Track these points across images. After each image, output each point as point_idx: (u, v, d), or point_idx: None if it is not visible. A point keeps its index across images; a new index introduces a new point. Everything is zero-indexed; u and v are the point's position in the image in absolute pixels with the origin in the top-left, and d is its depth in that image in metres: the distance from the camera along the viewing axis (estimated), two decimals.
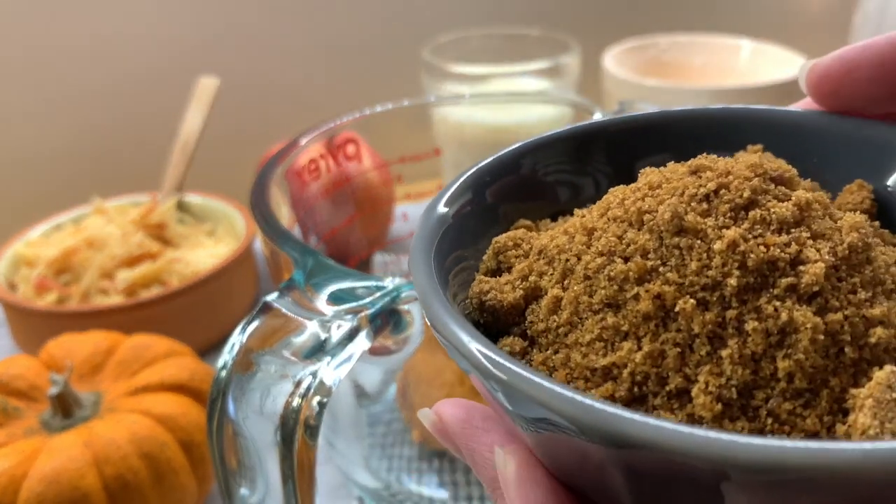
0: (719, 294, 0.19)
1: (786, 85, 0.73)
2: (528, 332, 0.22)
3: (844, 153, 0.25)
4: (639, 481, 0.17)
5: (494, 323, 0.22)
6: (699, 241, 0.19)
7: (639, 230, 0.20)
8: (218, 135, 0.84)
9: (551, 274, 0.22)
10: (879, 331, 0.18)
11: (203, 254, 0.62)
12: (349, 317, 0.28)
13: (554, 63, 0.74)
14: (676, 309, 0.19)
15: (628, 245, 0.20)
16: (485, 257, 0.24)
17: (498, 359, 0.17)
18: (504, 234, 0.24)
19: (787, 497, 0.15)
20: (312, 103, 0.91)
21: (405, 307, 0.30)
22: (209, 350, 0.59)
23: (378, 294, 0.29)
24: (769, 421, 0.18)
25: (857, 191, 0.24)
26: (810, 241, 0.19)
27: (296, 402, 0.27)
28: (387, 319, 0.29)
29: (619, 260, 0.20)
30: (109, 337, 0.47)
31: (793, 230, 0.19)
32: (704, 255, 0.19)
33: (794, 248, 0.19)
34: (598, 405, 0.15)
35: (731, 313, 0.18)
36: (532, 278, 0.22)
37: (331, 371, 0.27)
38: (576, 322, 0.20)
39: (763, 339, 0.18)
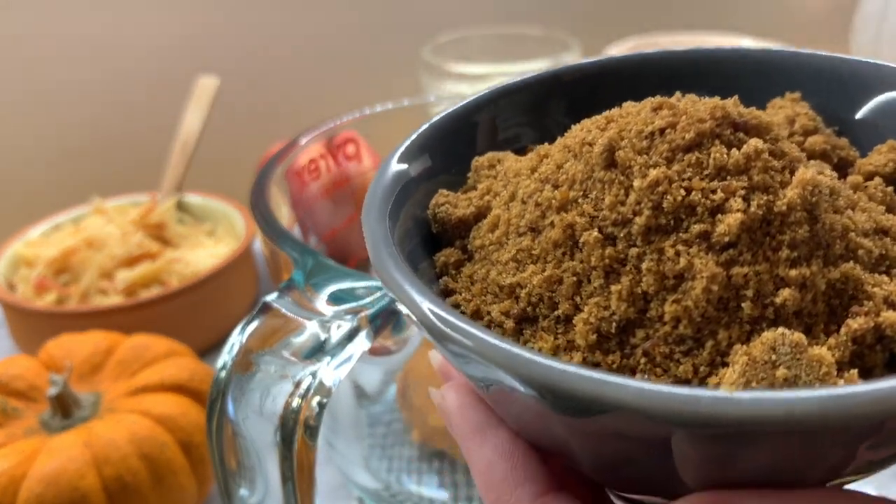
0: (627, 231, 0.19)
1: None
2: (469, 246, 0.22)
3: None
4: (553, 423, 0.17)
5: (444, 234, 0.23)
6: (623, 177, 0.19)
7: (577, 160, 0.21)
8: (217, 135, 0.83)
9: (502, 195, 0.23)
10: (787, 292, 0.17)
11: (203, 254, 0.62)
12: (349, 317, 0.28)
13: (554, 62, 0.74)
14: (581, 240, 0.19)
15: (563, 174, 0.21)
16: (468, 175, 0.25)
17: (426, 303, 0.17)
18: (485, 154, 0.25)
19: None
20: (312, 103, 0.91)
21: None
22: (209, 350, 0.59)
23: (378, 294, 0.29)
24: (643, 361, 0.18)
25: (887, 152, 0.24)
26: (743, 192, 0.18)
27: (295, 402, 0.27)
28: (387, 320, 0.29)
29: (549, 187, 0.21)
30: (109, 337, 0.47)
31: (729, 178, 0.19)
32: (623, 191, 0.19)
33: (719, 195, 0.18)
34: (493, 340, 0.16)
35: (633, 251, 0.19)
36: (487, 197, 0.23)
37: (331, 371, 0.27)
38: (503, 241, 0.21)
39: (657, 280, 0.18)
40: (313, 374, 0.27)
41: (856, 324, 0.17)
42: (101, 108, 0.82)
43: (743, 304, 0.18)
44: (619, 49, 0.82)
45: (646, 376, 0.18)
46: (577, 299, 0.19)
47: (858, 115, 0.25)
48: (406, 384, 0.42)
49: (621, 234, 0.19)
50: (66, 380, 0.41)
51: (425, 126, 0.25)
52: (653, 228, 0.19)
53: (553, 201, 0.20)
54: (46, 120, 0.80)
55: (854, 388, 0.14)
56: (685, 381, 0.18)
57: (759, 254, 0.18)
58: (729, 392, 0.14)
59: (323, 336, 0.27)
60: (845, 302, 0.18)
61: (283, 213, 0.40)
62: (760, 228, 0.18)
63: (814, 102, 0.26)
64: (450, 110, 0.26)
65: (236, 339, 0.28)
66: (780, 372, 0.16)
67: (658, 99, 0.21)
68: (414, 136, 0.24)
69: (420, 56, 0.78)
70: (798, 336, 0.16)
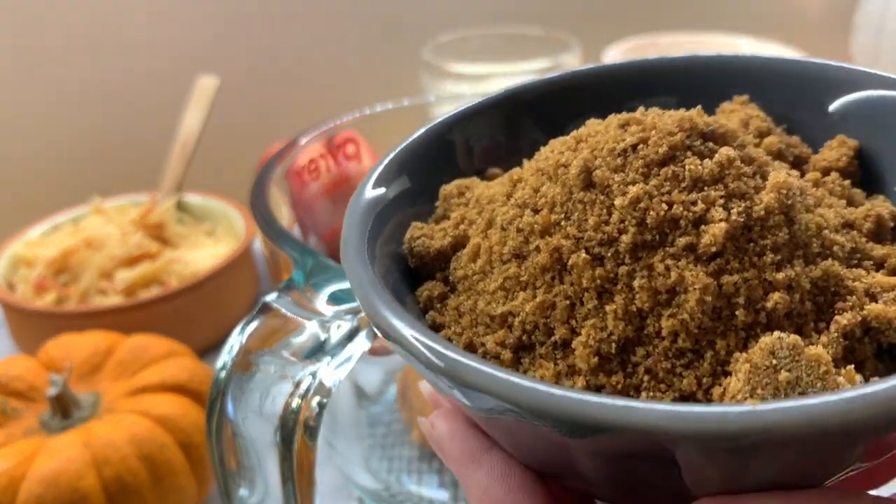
0: (614, 250, 0.19)
1: None
2: (451, 277, 0.22)
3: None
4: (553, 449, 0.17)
5: (423, 268, 0.23)
6: (603, 197, 0.19)
7: (553, 183, 0.21)
8: (217, 134, 0.83)
9: (478, 223, 0.22)
10: (777, 296, 0.18)
11: (202, 254, 0.62)
12: (349, 317, 0.28)
13: (554, 62, 0.74)
14: (570, 263, 0.19)
15: (541, 198, 0.21)
16: (437, 203, 0.24)
17: (417, 337, 0.17)
18: (452, 183, 0.24)
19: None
20: (312, 103, 0.91)
21: None
22: (208, 350, 0.59)
23: None
24: (646, 378, 0.18)
25: (837, 147, 0.24)
26: (721, 201, 0.19)
27: (295, 402, 0.26)
28: None
29: (529, 212, 0.21)
30: (108, 337, 0.47)
31: (706, 188, 0.19)
32: (605, 210, 0.19)
33: (700, 207, 0.19)
34: (511, 379, 0.16)
35: (623, 270, 0.19)
36: (462, 226, 0.23)
37: (330, 371, 0.27)
38: (487, 270, 0.21)
39: (650, 296, 0.18)
40: (313, 375, 0.27)
41: (844, 319, 0.18)
42: (101, 108, 0.82)
43: (737, 312, 0.18)
44: (618, 49, 0.82)
45: (651, 394, 0.18)
46: (573, 322, 0.19)
47: (803, 112, 0.26)
48: (406, 384, 0.42)
49: (609, 254, 0.19)
50: (66, 380, 0.41)
51: (388, 157, 0.24)
52: (639, 245, 0.19)
53: (535, 226, 0.20)
54: (46, 120, 0.80)
55: (870, 389, 0.14)
56: (690, 395, 0.18)
57: (745, 260, 0.18)
58: (752, 405, 0.14)
59: (323, 336, 0.27)
60: (829, 299, 0.19)
61: (283, 213, 0.40)
62: (743, 235, 0.18)
63: (759, 103, 0.26)
64: (416, 135, 0.25)
65: (236, 340, 0.28)
66: (783, 375, 0.16)
67: (624, 115, 0.21)
68: (380, 168, 0.24)
69: (420, 56, 0.78)
70: (794, 338, 0.17)
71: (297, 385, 0.27)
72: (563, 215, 0.20)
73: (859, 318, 0.18)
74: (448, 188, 0.24)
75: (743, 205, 0.19)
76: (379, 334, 0.18)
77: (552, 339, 0.19)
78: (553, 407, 0.15)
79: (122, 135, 0.83)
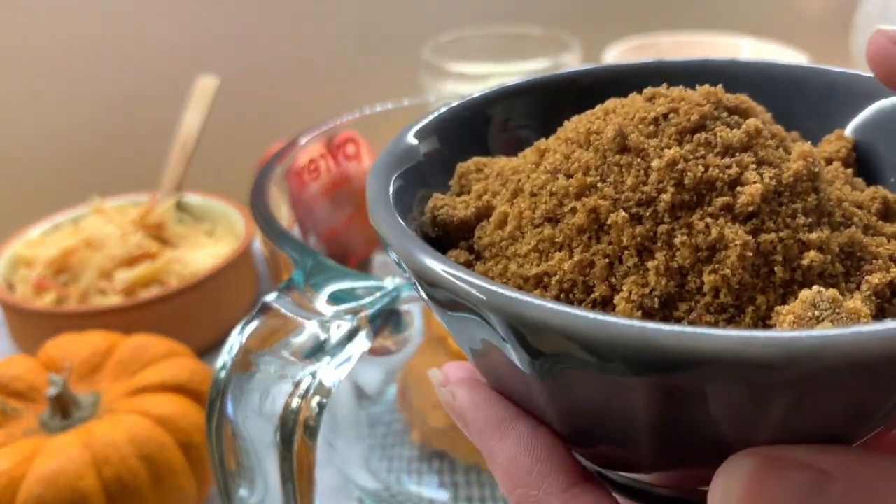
0: (653, 209, 0.19)
1: None
2: (475, 246, 0.22)
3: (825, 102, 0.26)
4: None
5: (445, 237, 0.23)
6: (639, 160, 0.20)
7: (585, 149, 0.21)
8: (217, 134, 0.83)
9: (503, 193, 0.22)
10: (813, 254, 0.18)
11: (202, 254, 0.62)
12: (349, 317, 0.28)
13: (554, 62, 0.74)
14: (609, 222, 0.19)
15: (573, 163, 0.21)
16: (451, 182, 0.24)
17: (438, 263, 0.17)
18: (469, 160, 0.25)
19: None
20: (312, 103, 0.91)
21: (405, 307, 0.30)
22: (208, 350, 0.59)
23: (378, 294, 0.28)
24: None
25: (836, 140, 0.25)
26: (754, 167, 0.19)
27: (295, 402, 0.26)
28: (386, 320, 0.29)
29: (562, 176, 0.21)
30: (108, 337, 0.47)
31: (737, 154, 0.20)
32: (643, 171, 0.20)
33: (734, 170, 0.19)
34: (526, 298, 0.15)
35: (662, 228, 0.19)
36: (486, 197, 0.23)
37: (330, 371, 0.27)
38: (517, 235, 0.21)
39: (691, 253, 0.18)
40: (313, 375, 0.27)
41: (875, 279, 0.18)
42: (101, 107, 0.82)
43: (775, 269, 0.18)
44: (619, 49, 0.82)
45: None
46: (613, 280, 0.19)
47: (798, 111, 0.26)
48: (406, 384, 0.42)
49: (647, 213, 0.19)
50: (66, 380, 0.41)
51: (419, 125, 0.25)
52: (678, 205, 0.19)
53: (570, 188, 0.20)
54: (46, 120, 0.80)
55: None
56: None
57: (779, 221, 0.19)
58: (823, 329, 0.14)
59: (323, 336, 0.27)
60: (855, 263, 0.19)
61: (283, 213, 0.40)
62: (775, 199, 0.19)
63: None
64: (451, 106, 0.26)
65: (236, 340, 0.28)
66: (826, 325, 0.16)
67: (649, 90, 0.22)
68: (408, 134, 0.24)
69: (420, 56, 0.78)
70: (833, 292, 0.17)
71: (297, 385, 0.27)
72: (598, 178, 0.20)
73: (888, 279, 0.18)
74: (465, 165, 0.25)
75: (773, 170, 0.19)
76: (421, 291, 0.18)
77: (591, 296, 0.19)
78: (626, 338, 0.15)
79: (122, 135, 0.83)
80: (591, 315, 0.15)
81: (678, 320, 0.18)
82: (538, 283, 0.20)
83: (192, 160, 0.69)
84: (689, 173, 0.19)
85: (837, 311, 0.17)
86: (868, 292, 0.18)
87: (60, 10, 0.77)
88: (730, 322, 0.18)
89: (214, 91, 0.70)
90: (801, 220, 0.19)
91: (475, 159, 0.25)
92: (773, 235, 0.18)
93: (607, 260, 0.19)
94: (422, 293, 0.19)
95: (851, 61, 0.97)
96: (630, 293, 0.19)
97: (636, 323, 0.15)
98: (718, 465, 0.16)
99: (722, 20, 0.99)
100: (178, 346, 0.47)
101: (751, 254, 0.18)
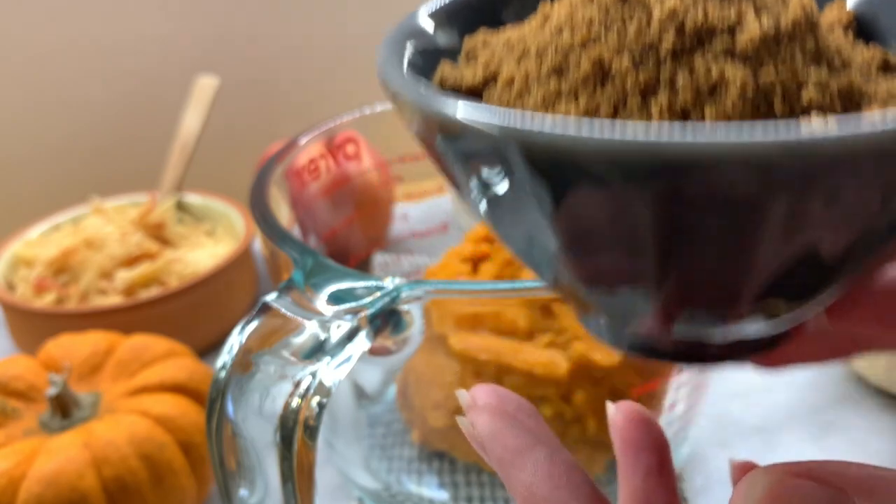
0: (655, 56, 0.20)
1: None
2: None
3: None
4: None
5: None
6: (640, 10, 0.21)
7: (588, 6, 0.22)
8: (217, 134, 0.83)
9: (510, 58, 0.23)
10: (811, 91, 0.19)
11: (202, 254, 0.62)
12: (349, 317, 0.28)
13: None
14: (613, 70, 0.20)
15: (577, 19, 0.22)
16: (459, 58, 0.25)
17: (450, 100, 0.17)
18: (477, 34, 0.25)
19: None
20: (312, 103, 0.91)
21: (405, 307, 0.30)
22: (208, 350, 0.59)
23: (378, 294, 0.28)
24: None
25: (836, 9, 0.26)
26: (752, 14, 0.20)
27: (295, 402, 0.26)
28: (386, 320, 0.29)
29: (566, 32, 0.22)
30: (108, 337, 0.47)
31: (736, 3, 0.21)
32: (644, 22, 0.21)
33: (733, 16, 0.20)
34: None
35: (665, 71, 0.20)
36: (492, 66, 0.23)
37: (330, 371, 0.27)
38: (524, 92, 0.22)
39: (693, 93, 0.19)
40: (313, 375, 0.27)
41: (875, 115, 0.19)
42: (100, 107, 0.82)
43: (774, 106, 0.19)
44: None
45: None
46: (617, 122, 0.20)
47: None
48: (406, 384, 0.42)
49: (650, 60, 0.20)
50: (66, 380, 0.41)
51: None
52: (678, 50, 0.20)
53: (575, 41, 0.21)
54: (45, 120, 0.80)
55: None
56: None
57: (778, 62, 0.20)
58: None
59: (322, 336, 0.27)
60: (854, 105, 0.20)
61: (283, 213, 0.40)
62: (774, 43, 0.20)
63: None
64: None
65: (236, 339, 0.28)
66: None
67: None
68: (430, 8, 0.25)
69: None
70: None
71: (297, 385, 0.27)
72: (602, 30, 0.21)
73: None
74: (473, 38, 0.25)
75: (772, 17, 0.20)
76: (434, 142, 0.19)
77: None
78: (648, 145, 0.15)
79: (122, 135, 0.83)
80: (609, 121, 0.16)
81: None
82: None
83: (192, 160, 0.69)
84: (689, 20, 0.20)
85: None
86: None
87: (60, 11, 0.77)
88: None
89: (214, 91, 0.70)
90: (800, 61, 0.20)
91: (483, 32, 0.26)
92: (772, 74, 0.19)
93: (612, 104, 0.20)
94: (436, 144, 0.19)
95: None
96: None
97: (659, 125, 0.15)
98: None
99: None
100: (178, 345, 0.47)
101: (750, 90, 0.19)
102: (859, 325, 0.21)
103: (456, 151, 0.18)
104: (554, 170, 0.17)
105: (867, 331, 0.21)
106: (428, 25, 0.25)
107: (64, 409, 0.41)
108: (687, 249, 0.18)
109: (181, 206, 0.69)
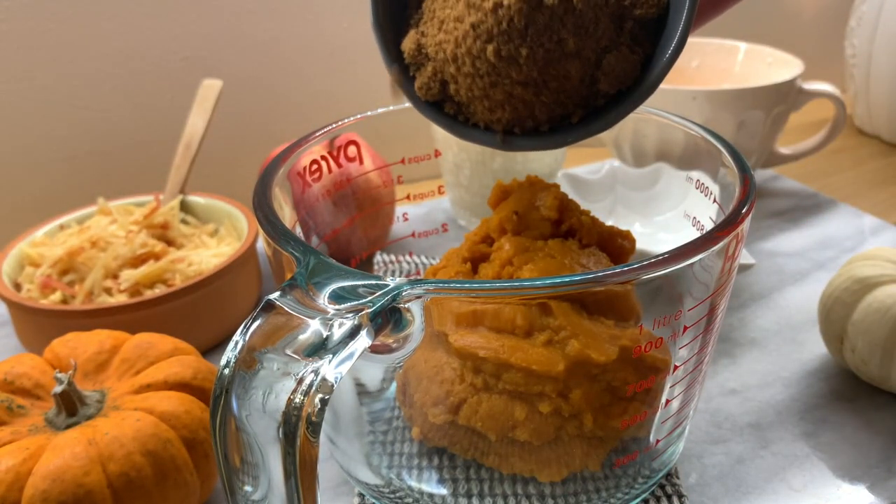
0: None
1: (781, 86, 0.74)
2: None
3: None
4: None
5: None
6: None
7: None
8: (221, 136, 0.84)
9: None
10: None
11: (206, 254, 0.63)
12: (351, 315, 0.28)
13: None
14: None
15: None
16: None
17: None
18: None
19: None
20: (314, 105, 0.91)
21: (406, 306, 0.30)
22: (213, 348, 0.59)
23: (379, 293, 0.29)
24: None
25: None
26: None
27: (298, 399, 0.27)
28: (388, 318, 0.30)
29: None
30: (113, 336, 0.47)
31: None
32: None
33: None
34: None
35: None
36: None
37: (332, 368, 0.27)
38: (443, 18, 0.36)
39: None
40: (315, 372, 0.27)
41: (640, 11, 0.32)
42: (106, 111, 0.82)
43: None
44: None
45: None
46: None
47: None
48: (406, 381, 0.42)
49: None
50: (71, 378, 0.41)
51: None
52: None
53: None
54: (51, 122, 0.81)
55: None
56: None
57: None
58: None
59: (325, 334, 0.28)
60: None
61: (286, 214, 0.41)
62: None
63: None
64: None
65: (240, 337, 0.28)
66: None
67: None
68: None
69: None
70: None
71: (300, 382, 0.27)
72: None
73: None
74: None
75: None
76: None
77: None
78: None
79: (127, 137, 0.84)
80: None
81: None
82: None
83: (196, 162, 0.70)
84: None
85: None
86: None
87: (65, 12, 0.77)
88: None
89: (218, 93, 0.70)
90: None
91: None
92: None
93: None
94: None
95: (845, 63, 0.97)
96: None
97: None
98: None
99: (719, 23, 1.00)
100: (182, 344, 0.48)
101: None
102: None
103: None
104: None
105: None
106: None
107: (69, 407, 0.41)
108: None
109: (185, 207, 0.69)
